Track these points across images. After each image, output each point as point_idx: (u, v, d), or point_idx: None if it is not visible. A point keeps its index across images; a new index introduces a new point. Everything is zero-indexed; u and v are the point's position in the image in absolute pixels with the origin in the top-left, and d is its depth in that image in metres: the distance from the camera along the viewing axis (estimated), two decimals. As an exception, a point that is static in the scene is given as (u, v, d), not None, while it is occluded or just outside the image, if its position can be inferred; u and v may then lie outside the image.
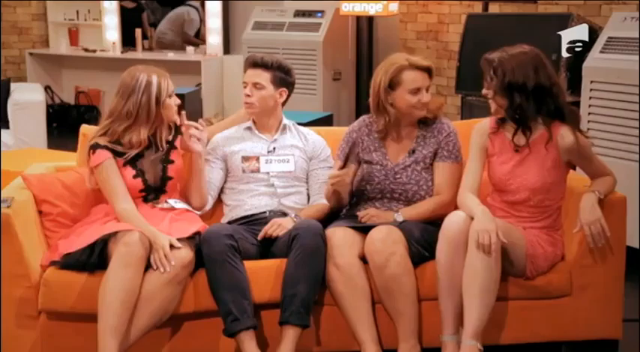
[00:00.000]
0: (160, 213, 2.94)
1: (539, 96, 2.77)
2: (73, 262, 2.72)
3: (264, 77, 3.10)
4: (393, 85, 2.93)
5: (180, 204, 3.01)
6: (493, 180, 2.93)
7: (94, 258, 2.71)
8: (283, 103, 3.19)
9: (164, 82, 2.93)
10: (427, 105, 2.96)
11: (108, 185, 2.88)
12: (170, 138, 3.04)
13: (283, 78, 3.13)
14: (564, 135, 2.79)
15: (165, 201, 2.99)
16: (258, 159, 3.12)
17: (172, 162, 3.01)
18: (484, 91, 2.86)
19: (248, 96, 3.11)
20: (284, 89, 3.14)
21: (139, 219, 2.80)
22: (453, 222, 2.74)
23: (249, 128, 3.19)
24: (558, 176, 2.86)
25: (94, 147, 2.90)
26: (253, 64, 3.12)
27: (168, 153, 3.01)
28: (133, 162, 2.93)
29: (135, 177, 2.93)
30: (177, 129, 3.07)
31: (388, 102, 2.94)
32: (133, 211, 2.85)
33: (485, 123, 2.95)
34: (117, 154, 2.91)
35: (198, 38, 7.72)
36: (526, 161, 2.85)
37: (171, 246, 2.70)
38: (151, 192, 2.98)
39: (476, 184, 2.87)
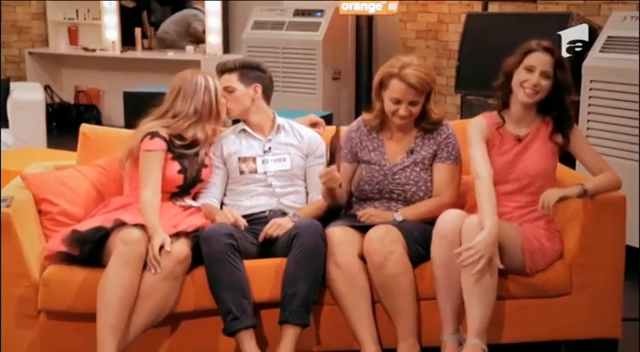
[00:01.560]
0: (179, 210, 2.99)
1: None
2: (79, 237, 2.73)
3: (231, 79, 3.14)
4: (382, 85, 2.96)
5: (195, 203, 3.07)
6: (493, 171, 2.92)
7: (88, 247, 2.70)
8: (268, 99, 3.21)
9: (217, 82, 3.09)
10: (405, 118, 2.94)
11: (147, 173, 2.94)
12: (209, 142, 3.14)
13: (251, 73, 3.16)
14: None
15: (184, 200, 3.05)
16: (254, 159, 3.13)
17: (206, 166, 3.10)
18: (537, 81, 2.82)
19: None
20: (257, 84, 3.16)
21: (153, 214, 2.82)
22: (446, 219, 2.75)
23: (243, 129, 3.20)
24: (553, 163, 2.94)
25: (154, 134, 2.98)
26: (219, 72, 3.18)
27: (203, 157, 3.09)
28: (179, 158, 3.01)
29: (179, 172, 3.02)
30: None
31: (379, 99, 2.98)
32: (155, 205, 2.88)
33: (480, 119, 2.96)
34: (169, 149, 3.00)
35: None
36: (527, 149, 2.90)
37: (162, 248, 2.70)
38: (183, 190, 3.05)
39: (491, 171, 2.84)
